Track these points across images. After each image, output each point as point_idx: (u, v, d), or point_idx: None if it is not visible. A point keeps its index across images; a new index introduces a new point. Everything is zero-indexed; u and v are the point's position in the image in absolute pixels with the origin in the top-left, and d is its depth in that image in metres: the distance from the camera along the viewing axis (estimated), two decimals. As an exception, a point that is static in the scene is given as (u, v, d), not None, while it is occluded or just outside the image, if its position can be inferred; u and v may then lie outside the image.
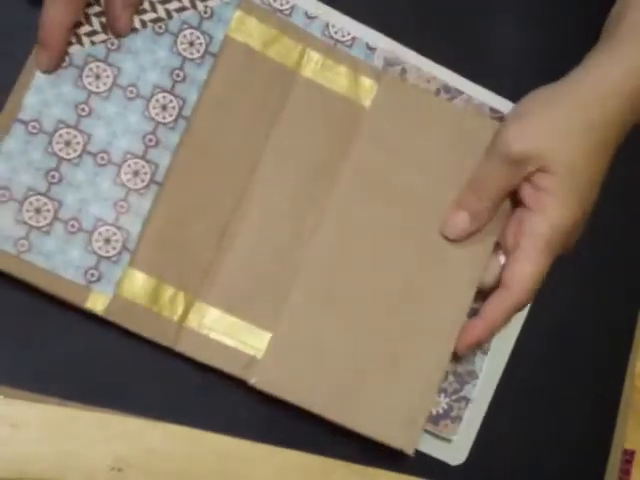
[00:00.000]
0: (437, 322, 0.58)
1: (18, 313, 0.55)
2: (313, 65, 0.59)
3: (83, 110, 0.55)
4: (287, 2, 0.59)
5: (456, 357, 0.60)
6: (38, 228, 0.54)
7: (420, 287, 0.58)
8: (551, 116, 0.56)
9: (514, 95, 0.61)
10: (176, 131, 0.56)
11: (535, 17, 0.65)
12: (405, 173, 0.59)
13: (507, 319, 0.58)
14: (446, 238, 0.58)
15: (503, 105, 0.62)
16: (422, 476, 0.60)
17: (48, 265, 0.54)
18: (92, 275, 0.55)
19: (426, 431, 0.60)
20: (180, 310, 0.56)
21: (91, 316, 0.55)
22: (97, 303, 0.54)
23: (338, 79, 0.59)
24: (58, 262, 0.54)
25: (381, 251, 0.58)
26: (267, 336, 0.56)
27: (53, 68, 0.54)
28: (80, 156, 0.55)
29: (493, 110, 0.62)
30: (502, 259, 0.58)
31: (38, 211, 0.54)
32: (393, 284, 0.58)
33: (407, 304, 0.58)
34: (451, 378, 0.60)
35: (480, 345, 0.60)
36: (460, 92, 0.61)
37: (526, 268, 0.56)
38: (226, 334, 0.56)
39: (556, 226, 0.56)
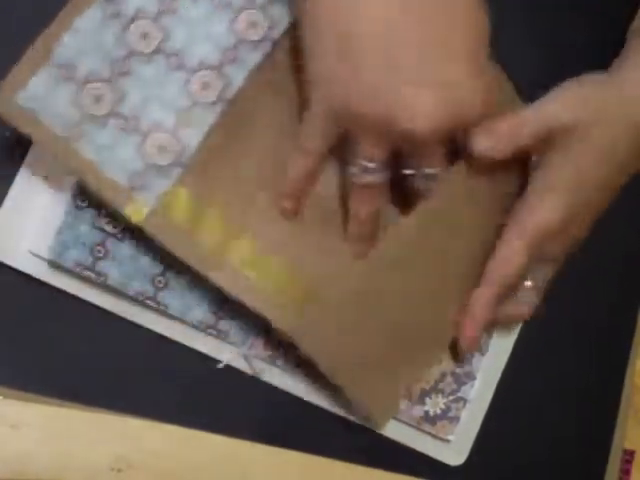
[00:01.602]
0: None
1: (18, 313, 0.55)
2: None
3: (122, 67, 0.52)
4: None
5: (456, 359, 0.60)
6: (93, 118, 0.51)
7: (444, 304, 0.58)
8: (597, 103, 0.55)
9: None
10: (258, 50, 0.54)
11: (535, 16, 0.65)
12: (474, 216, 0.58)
13: (489, 310, 0.57)
14: None
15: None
16: (422, 476, 0.60)
17: (96, 158, 0.51)
18: (137, 180, 0.52)
19: (424, 431, 0.60)
20: (218, 239, 0.53)
21: (91, 316, 0.55)
22: (136, 212, 0.52)
23: None
24: (106, 158, 0.51)
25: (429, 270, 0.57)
26: (301, 285, 0.55)
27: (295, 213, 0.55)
28: (153, 53, 0.52)
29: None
30: None
31: (97, 100, 0.51)
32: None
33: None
34: (449, 379, 0.60)
35: (477, 341, 0.58)
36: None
37: (501, 256, 0.55)
38: (263, 275, 0.54)
39: (539, 222, 0.54)
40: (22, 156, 0.54)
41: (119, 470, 0.55)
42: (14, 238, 0.54)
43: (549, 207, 0.55)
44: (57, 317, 0.55)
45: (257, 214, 0.55)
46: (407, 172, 0.54)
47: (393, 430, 0.60)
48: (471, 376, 0.61)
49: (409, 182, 0.55)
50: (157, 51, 0.53)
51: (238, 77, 0.54)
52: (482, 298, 0.56)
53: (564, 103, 0.54)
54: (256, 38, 0.54)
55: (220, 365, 0.57)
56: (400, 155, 0.53)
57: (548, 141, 0.54)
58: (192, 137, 0.53)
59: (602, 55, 0.60)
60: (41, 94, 0.50)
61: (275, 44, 0.55)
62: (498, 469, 0.62)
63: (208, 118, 0.54)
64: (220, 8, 0.54)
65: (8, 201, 0.54)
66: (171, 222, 0.53)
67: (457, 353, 0.59)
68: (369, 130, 0.51)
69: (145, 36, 0.52)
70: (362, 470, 0.60)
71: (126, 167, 0.52)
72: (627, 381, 0.65)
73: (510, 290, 0.57)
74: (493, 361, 0.62)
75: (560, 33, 0.65)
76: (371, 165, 0.53)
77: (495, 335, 0.61)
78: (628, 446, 0.66)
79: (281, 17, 0.55)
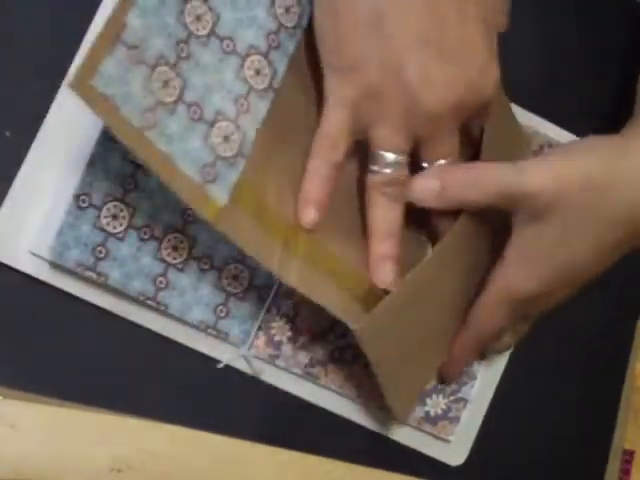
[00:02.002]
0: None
1: (18, 313, 0.55)
2: None
3: (182, 51, 0.49)
4: None
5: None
6: (164, 104, 0.48)
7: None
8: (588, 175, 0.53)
9: (514, 96, 0.61)
10: (295, 38, 0.53)
11: (535, 17, 0.65)
12: None
13: (468, 353, 0.58)
14: None
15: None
16: (422, 476, 0.60)
17: (168, 149, 0.48)
18: (208, 174, 0.50)
19: (424, 432, 0.60)
20: (283, 234, 0.53)
21: (91, 316, 0.55)
22: (208, 208, 0.50)
23: None
24: (177, 149, 0.49)
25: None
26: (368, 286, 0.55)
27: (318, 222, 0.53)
28: (208, 36, 0.50)
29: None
30: None
31: (166, 84, 0.48)
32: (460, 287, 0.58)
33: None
34: (450, 379, 0.61)
35: (457, 375, 0.60)
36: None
37: (479, 313, 0.56)
38: (325, 268, 0.54)
39: (513, 291, 0.55)
40: (22, 156, 0.54)
41: (119, 470, 0.55)
42: (14, 238, 0.54)
43: (524, 277, 0.54)
44: (57, 317, 0.55)
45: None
46: (424, 164, 0.54)
47: (393, 430, 0.60)
48: (472, 376, 0.61)
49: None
50: (211, 34, 0.51)
51: (282, 65, 0.53)
52: (460, 343, 0.58)
53: (542, 174, 0.52)
54: (292, 25, 0.53)
55: (220, 365, 0.57)
56: (416, 151, 0.53)
57: (518, 207, 0.53)
58: (250, 125, 0.52)
59: (605, 59, 0.61)
60: (116, 78, 0.46)
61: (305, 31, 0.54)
62: (498, 469, 0.62)
63: (262, 105, 0.53)
64: (228, 55, 0.52)
65: (8, 201, 0.54)
66: (240, 218, 0.51)
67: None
68: (391, 117, 0.51)
69: (199, 18, 0.50)
70: (362, 470, 0.60)
71: (197, 159, 0.50)
72: (627, 382, 0.65)
73: (489, 340, 0.58)
74: (493, 361, 0.62)
75: (565, 37, 0.65)
76: (393, 157, 0.52)
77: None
78: (628, 446, 0.66)
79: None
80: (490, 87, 0.53)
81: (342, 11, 0.50)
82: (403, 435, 0.60)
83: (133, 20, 0.47)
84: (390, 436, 0.60)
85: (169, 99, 0.49)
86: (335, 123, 0.52)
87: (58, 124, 0.54)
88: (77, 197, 0.53)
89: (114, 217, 0.53)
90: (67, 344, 0.55)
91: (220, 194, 0.50)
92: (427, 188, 0.54)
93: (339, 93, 0.52)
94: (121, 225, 0.54)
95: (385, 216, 0.54)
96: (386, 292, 0.55)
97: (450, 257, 0.56)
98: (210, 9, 0.50)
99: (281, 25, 0.53)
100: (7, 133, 0.54)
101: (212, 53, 0.51)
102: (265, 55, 0.53)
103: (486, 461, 0.61)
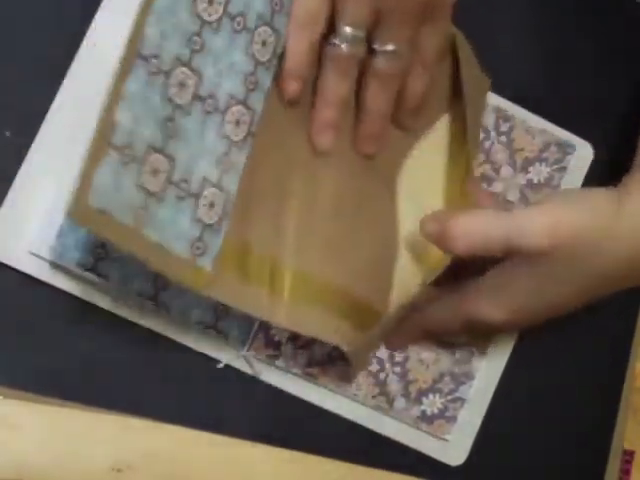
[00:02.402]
0: None
1: (18, 313, 0.55)
2: None
3: (196, 43, 0.50)
4: None
5: (453, 358, 0.60)
6: (153, 195, 0.48)
7: None
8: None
9: (514, 96, 0.61)
10: (270, 71, 0.53)
11: (535, 16, 0.65)
12: None
13: (416, 337, 0.60)
14: None
15: (505, 105, 0.62)
16: (422, 476, 0.60)
17: (160, 238, 0.49)
18: (197, 248, 0.50)
19: (422, 431, 0.60)
20: (267, 278, 0.54)
21: (91, 316, 0.55)
22: (199, 280, 0.51)
23: None
24: (169, 235, 0.49)
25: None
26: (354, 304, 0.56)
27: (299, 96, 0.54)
28: (191, 102, 0.50)
29: (498, 109, 0.62)
30: None
31: (155, 173, 0.48)
32: None
33: None
34: (447, 378, 0.60)
35: (397, 349, 0.60)
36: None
37: (437, 315, 0.58)
38: (310, 298, 0.55)
39: (478, 315, 0.56)
40: (22, 156, 0.54)
41: (119, 470, 0.55)
42: (14, 238, 0.54)
43: (494, 306, 0.56)
44: (57, 317, 0.55)
45: (285, 237, 0.55)
46: (374, 46, 0.54)
47: (393, 430, 0.60)
48: (470, 376, 0.61)
49: (370, 63, 0.55)
50: (194, 99, 0.50)
51: (260, 105, 0.53)
52: (411, 327, 0.59)
53: (539, 230, 0.53)
54: (266, 58, 0.53)
55: (220, 365, 0.57)
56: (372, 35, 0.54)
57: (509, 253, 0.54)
58: (232, 182, 0.52)
59: (606, 59, 0.61)
60: (109, 188, 0.47)
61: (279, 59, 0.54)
62: (498, 469, 0.62)
63: (241, 156, 0.52)
64: (238, 34, 0.52)
65: (8, 201, 0.54)
66: (227, 279, 0.52)
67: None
68: None
69: (182, 85, 0.50)
70: (362, 470, 0.59)
71: (187, 237, 0.50)
72: (627, 381, 0.65)
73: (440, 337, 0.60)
74: (493, 361, 0.62)
75: (565, 37, 0.65)
76: (353, 32, 0.53)
77: (496, 335, 0.61)
78: (628, 446, 0.66)
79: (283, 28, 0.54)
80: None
81: None
82: (403, 435, 0.60)
83: (121, 116, 0.47)
84: (390, 436, 0.60)
85: (158, 187, 0.49)
86: (307, 6, 0.53)
87: (58, 124, 0.54)
88: None
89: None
90: (67, 344, 0.55)
91: (207, 262, 0.51)
92: (429, 229, 0.56)
93: None
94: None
95: (333, 87, 0.55)
96: (370, 307, 0.57)
97: None
98: (193, 70, 0.50)
99: (257, 62, 0.53)
100: (7, 133, 0.54)
101: (195, 119, 0.50)
102: (244, 102, 0.52)
103: (486, 461, 0.61)
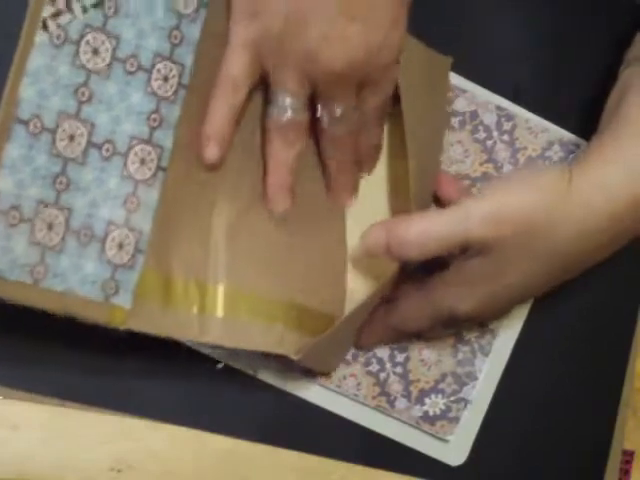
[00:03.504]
0: None
1: (18, 313, 0.55)
2: None
3: (83, 94, 0.50)
4: None
5: (456, 359, 0.60)
6: (52, 247, 0.49)
7: None
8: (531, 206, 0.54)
9: (515, 95, 0.61)
10: (177, 104, 0.53)
11: (535, 16, 0.65)
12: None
13: (384, 335, 0.59)
14: None
15: (506, 105, 0.62)
16: (422, 477, 0.60)
17: (64, 287, 0.50)
18: (110, 288, 0.51)
19: (422, 431, 0.60)
20: (197, 299, 0.53)
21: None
22: (116, 317, 0.51)
23: None
24: (74, 281, 0.50)
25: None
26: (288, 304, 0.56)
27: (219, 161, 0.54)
28: (85, 151, 0.50)
29: (499, 108, 0.62)
30: None
31: (50, 227, 0.49)
32: None
33: None
34: (450, 379, 0.60)
35: (366, 347, 0.60)
36: (463, 90, 0.62)
37: (402, 309, 0.58)
38: (252, 313, 0.55)
39: (444, 307, 0.56)
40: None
41: (119, 470, 0.55)
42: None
43: (460, 298, 0.55)
44: (57, 317, 0.55)
45: (215, 256, 0.55)
46: (318, 113, 0.54)
47: (393, 430, 0.60)
48: (472, 377, 0.61)
49: (320, 126, 0.55)
50: (89, 147, 0.50)
51: (168, 141, 0.53)
52: (379, 325, 0.58)
53: (483, 218, 0.53)
54: (171, 92, 0.53)
55: (220, 365, 0.57)
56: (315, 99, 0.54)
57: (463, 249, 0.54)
58: (144, 220, 0.52)
59: (607, 59, 0.60)
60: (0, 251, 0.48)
61: (188, 90, 0.54)
62: (498, 469, 0.62)
63: (152, 193, 0.53)
64: (132, 75, 0.51)
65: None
66: (150, 310, 0.52)
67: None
68: (291, 64, 0.52)
69: (72, 137, 0.50)
70: (362, 470, 0.59)
71: (95, 280, 0.51)
72: (627, 382, 0.65)
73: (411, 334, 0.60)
74: (493, 361, 0.61)
75: (566, 37, 0.65)
76: (290, 101, 0.53)
77: (497, 335, 0.61)
78: (628, 446, 0.66)
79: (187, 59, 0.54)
80: (391, 52, 0.53)
81: None
82: (403, 435, 0.60)
83: (2, 183, 0.48)
84: (390, 436, 0.60)
85: (56, 240, 0.49)
86: (236, 64, 0.53)
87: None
88: None
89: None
90: (67, 344, 0.55)
91: (125, 299, 0.51)
92: (373, 240, 0.55)
93: (242, 35, 0.52)
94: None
95: (280, 154, 0.55)
96: (324, 315, 0.57)
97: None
98: (83, 121, 0.50)
99: (161, 98, 0.52)
100: (7, 133, 0.54)
101: (91, 170, 0.51)
102: (148, 141, 0.52)
103: (486, 461, 0.61)
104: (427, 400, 0.60)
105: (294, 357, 0.54)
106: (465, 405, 0.60)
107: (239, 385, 0.57)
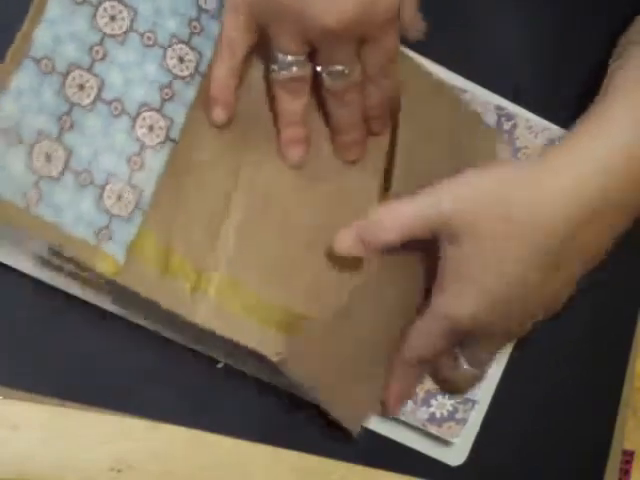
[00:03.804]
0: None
1: (18, 313, 0.55)
2: None
3: (97, 53, 0.51)
4: None
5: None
6: (48, 177, 0.49)
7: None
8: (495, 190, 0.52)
9: (515, 95, 0.61)
10: (192, 85, 0.54)
11: (535, 16, 0.65)
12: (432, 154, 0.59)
13: (408, 374, 0.58)
14: None
15: (506, 105, 0.62)
16: (422, 476, 0.60)
17: (58, 220, 0.50)
18: (104, 235, 0.51)
19: (429, 433, 0.60)
20: (192, 278, 0.53)
21: (91, 316, 0.55)
22: (107, 266, 0.51)
23: None
24: (68, 217, 0.50)
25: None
26: (284, 311, 0.55)
27: (227, 121, 0.55)
28: (93, 102, 0.51)
29: (499, 108, 0.62)
30: None
31: (49, 158, 0.50)
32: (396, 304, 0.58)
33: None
34: (458, 381, 0.60)
35: (399, 401, 0.58)
36: (463, 90, 0.62)
37: (417, 332, 0.56)
38: (242, 308, 0.54)
39: (447, 314, 0.54)
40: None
41: (119, 471, 0.55)
42: (15, 238, 0.54)
43: (456, 298, 0.53)
44: (57, 317, 0.55)
45: (221, 246, 0.55)
46: (317, 68, 0.54)
47: (393, 430, 0.60)
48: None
49: (321, 82, 0.55)
50: (96, 99, 0.52)
51: (179, 116, 0.54)
52: (397, 368, 0.57)
53: (453, 199, 0.52)
54: (187, 73, 0.54)
55: (220, 365, 0.57)
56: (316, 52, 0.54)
57: (435, 234, 0.53)
58: (147, 181, 0.53)
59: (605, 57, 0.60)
60: None
61: (204, 77, 0.55)
62: (498, 469, 0.62)
63: (158, 159, 0.53)
64: (149, 48, 0.53)
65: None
66: (144, 271, 0.52)
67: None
68: (285, 22, 0.52)
69: (82, 87, 0.51)
70: (362, 470, 0.60)
71: (90, 223, 0.51)
72: (627, 382, 0.65)
73: (430, 361, 0.57)
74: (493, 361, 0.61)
75: (566, 37, 0.65)
76: (290, 58, 0.53)
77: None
78: (628, 446, 0.66)
79: (206, 49, 0.55)
80: (388, 8, 0.52)
81: None
82: (403, 435, 0.60)
83: (6, 104, 0.49)
84: (390, 436, 0.60)
85: (54, 172, 0.50)
86: (232, 26, 0.53)
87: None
88: None
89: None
90: (67, 344, 0.55)
91: (118, 250, 0.51)
92: (345, 242, 0.55)
93: None
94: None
95: (287, 107, 0.55)
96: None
97: (377, 287, 0.57)
98: (95, 75, 0.51)
99: (175, 76, 0.54)
100: (7, 133, 0.54)
101: (99, 119, 0.51)
102: (159, 109, 0.53)
103: (486, 461, 0.61)
104: (433, 402, 0.60)
105: (274, 359, 0.53)
106: (473, 405, 0.60)
107: (239, 385, 0.57)
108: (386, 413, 0.58)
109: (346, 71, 0.54)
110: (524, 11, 0.64)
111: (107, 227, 0.51)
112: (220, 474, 0.57)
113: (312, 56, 0.54)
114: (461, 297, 0.53)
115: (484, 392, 0.61)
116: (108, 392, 0.56)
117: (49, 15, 0.50)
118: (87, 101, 0.51)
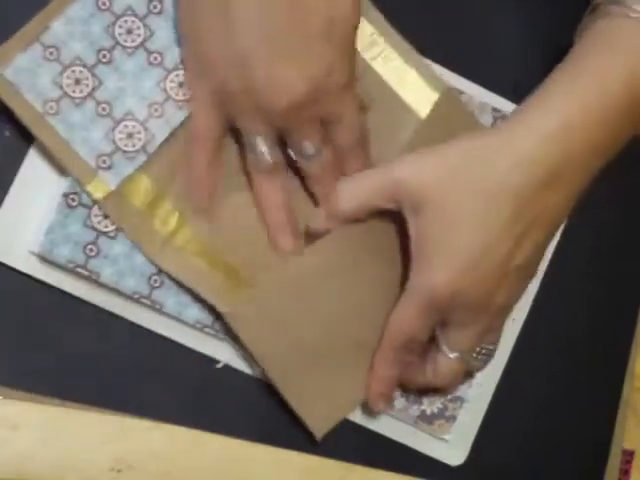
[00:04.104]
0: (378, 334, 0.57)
1: (18, 313, 0.55)
2: (382, 59, 0.59)
3: (104, 56, 0.54)
4: None
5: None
6: (71, 97, 0.54)
7: (385, 296, 0.57)
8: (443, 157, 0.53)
9: (514, 95, 0.61)
10: (183, 112, 0.56)
11: (535, 16, 0.65)
12: None
13: (390, 367, 0.57)
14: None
15: (504, 105, 0.62)
16: (422, 477, 0.60)
17: (67, 135, 0.54)
18: (103, 162, 0.54)
19: (421, 430, 0.60)
20: (171, 228, 0.55)
21: (91, 316, 0.55)
22: (98, 189, 0.54)
23: (401, 78, 0.59)
24: (77, 137, 0.54)
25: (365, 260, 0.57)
26: (245, 280, 0.56)
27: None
28: (136, 47, 0.55)
29: (495, 110, 0.62)
30: None
31: (77, 81, 0.54)
32: (368, 288, 0.57)
33: (373, 311, 0.57)
34: (447, 377, 0.60)
35: (384, 398, 0.58)
36: (461, 92, 0.61)
37: (395, 316, 0.55)
38: (208, 263, 0.56)
39: (423, 286, 0.53)
40: (22, 156, 0.54)
41: (119, 470, 0.55)
42: (15, 238, 0.54)
43: (429, 270, 0.53)
44: (57, 317, 0.55)
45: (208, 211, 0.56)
46: (290, 152, 0.55)
47: (393, 430, 0.60)
48: (469, 375, 0.61)
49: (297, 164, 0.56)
50: (140, 46, 0.55)
51: (159, 134, 0.56)
52: (380, 355, 0.56)
53: (410, 167, 0.53)
54: None
55: (220, 365, 0.57)
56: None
57: (400, 206, 0.54)
58: (160, 129, 0.55)
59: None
60: (25, 69, 0.53)
61: None
62: (498, 469, 0.62)
63: (178, 115, 0.55)
64: (152, 66, 0.55)
65: (8, 201, 0.54)
66: (129, 204, 0.54)
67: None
68: (246, 113, 0.53)
69: (130, 31, 0.54)
70: (362, 470, 0.60)
71: (95, 147, 0.54)
72: (627, 381, 0.65)
73: (412, 349, 0.56)
74: (493, 361, 0.61)
75: (565, 35, 0.65)
76: (263, 142, 0.54)
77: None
78: (628, 446, 0.66)
79: None
80: (338, 80, 0.53)
81: (196, 2, 0.52)
82: (403, 435, 0.60)
83: (57, 26, 0.53)
84: (390, 436, 0.60)
85: (78, 94, 0.54)
86: (202, 119, 0.55)
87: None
88: (66, 196, 0.54)
89: (105, 216, 0.54)
90: (67, 344, 0.55)
91: (112, 180, 0.54)
92: (317, 215, 0.56)
93: (198, 93, 0.54)
94: (113, 224, 0.54)
95: (270, 194, 0.56)
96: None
97: (342, 273, 0.57)
98: (145, 25, 0.55)
99: (169, 97, 0.56)
100: (7, 133, 0.54)
101: (136, 63, 0.55)
102: (142, 123, 0.55)
103: (486, 461, 0.61)
104: (424, 399, 0.60)
105: (222, 309, 0.55)
106: (461, 404, 0.61)
107: (239, 385, 0.57)
108: (372, 409, 0.58)
109: (316, 152, 0.54)
110: (524, 11, 0.64)
111: (109, 156, 0.54)
112: (220, 474, 0.57)
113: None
114: (432, 266, 0.53)
115: (483, 392, 0.61)
116: (108, 392, 0.56)
117: (70, 12, 0.54)
118: (131, 44, 0.55)
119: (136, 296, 0.55)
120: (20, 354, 0.55)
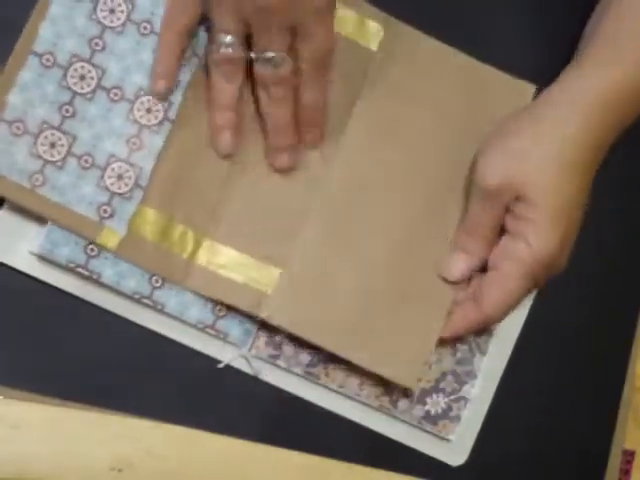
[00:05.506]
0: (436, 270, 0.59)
1: (18, 313, 0.55)
2: None
3: (97, 45, 0.54)
4: None
5: (455, 357, 0.60)
6: (52, 162, 0.54)
7: (426, 230, 0.59)
8: (520, 144, 0.56)
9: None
10: (187, 68, 0.56)
11: (536, 15, 0.65)
12: (416, 119, 0.59)
13: (470, 332, 0.59)
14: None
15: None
16: (422, 476, 0.60)
17: (61, 199, 0.54)
18: (105, 211, 0.54)
19: (425, 431, 0.60)
20: (190, 248, 0.56)
21: (92, 316, 0.55)
22: (109, 239, 0.54)
23: (344, 22, 0.59)
24: (71, 197, 0.54)
25: (390, 194, 0.59)
26: (277, 272, 0.57)
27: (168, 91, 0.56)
28: (94, 91, 0.55)
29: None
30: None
31: (52, 145, 0.54)
32: (401, 225, 0.58)
33: (414, 247, 0.58)
34: (450, 378, 0.60)
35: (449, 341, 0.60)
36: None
37: (503, 293, 0.57)
38: (235, 271, 0.56)
39: (538, 254, 0.55)
40: (22, 156, 0.54)
41: (119, 470, 0.55)
42: (14, 238, 0.54)
43: (545, 240, 0.55)
44: (57, 317, 0.55)
45: (218, 217, 0.57)
46: (251, 54, 0.55)
47: (393, 430, 0.60)
48: (472, 375, 0.61)
49: (254, 69, 0.56)
50: (97, 88, 0.55)
51: (177, 97, 0.56)
52: (466, 321, 0.58)
53: (492, 173, 0.56)
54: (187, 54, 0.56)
55: (220, 365, 0.57)
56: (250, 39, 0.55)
57: (508, 203, 0.56)
58: (145, 160, 0.55)
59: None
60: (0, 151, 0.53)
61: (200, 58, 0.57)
62: (498, 469, 0.62)
63: (157, 140, 0.55)
64: (145, 37, 0.55)
65: (8, 201, 0.54)
66: (142, 241, 0.55)
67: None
68: (224, 2, 0.53)
69: (83, 77, 0.55)
70: (362, 470, 0.60)
71: (92, 201, 0.54)
72: (627, 382, 0.65)
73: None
74: (494, 361, 0.62)
75: (566, 35, 0.65)
76: (227, 39, 0.54)
77: (496, 335, 0.61)
78: (628, 446, 0.66)
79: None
80: (317, 5, 0.53)
81: None
82: (403, 435, 0.60)
83: (13, 98, 0.53)
84: (390, 436, 0.60)
85: (57, 157, 0.54)
86: (175, 8, 0.55)
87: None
88: None
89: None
90: (67, 344, 0.55)
91: (119, 226, 0.55)
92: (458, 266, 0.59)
93: None
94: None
95: (221, 90, 0.56)
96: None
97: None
98: (94, 66, 0.55)
99: None
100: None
101: (98, 107, 0.55)
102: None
103: (486, 461, 0.61)
104: (428, 399, 0.60)
105: (262, 315, 0.56)
106: (465, 404, 0.61)
107: (239, 385, 0.57)
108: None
109: (277, 59, 0.54)
110: (526, 11, 0.64)
111: (109, 204, 0.55)
112: (220, 474, 0.57)
113: (248, 45, 0.55)
114: (550, 235, 0.55)
115: (484, 392, 0.61)
116: (108, 392, 0.56)
117: (52, 12, 0.54)
118: (87, 90, 0.55)
119: (137, 296, 0.55)
120: (20, 354, 0.55)
